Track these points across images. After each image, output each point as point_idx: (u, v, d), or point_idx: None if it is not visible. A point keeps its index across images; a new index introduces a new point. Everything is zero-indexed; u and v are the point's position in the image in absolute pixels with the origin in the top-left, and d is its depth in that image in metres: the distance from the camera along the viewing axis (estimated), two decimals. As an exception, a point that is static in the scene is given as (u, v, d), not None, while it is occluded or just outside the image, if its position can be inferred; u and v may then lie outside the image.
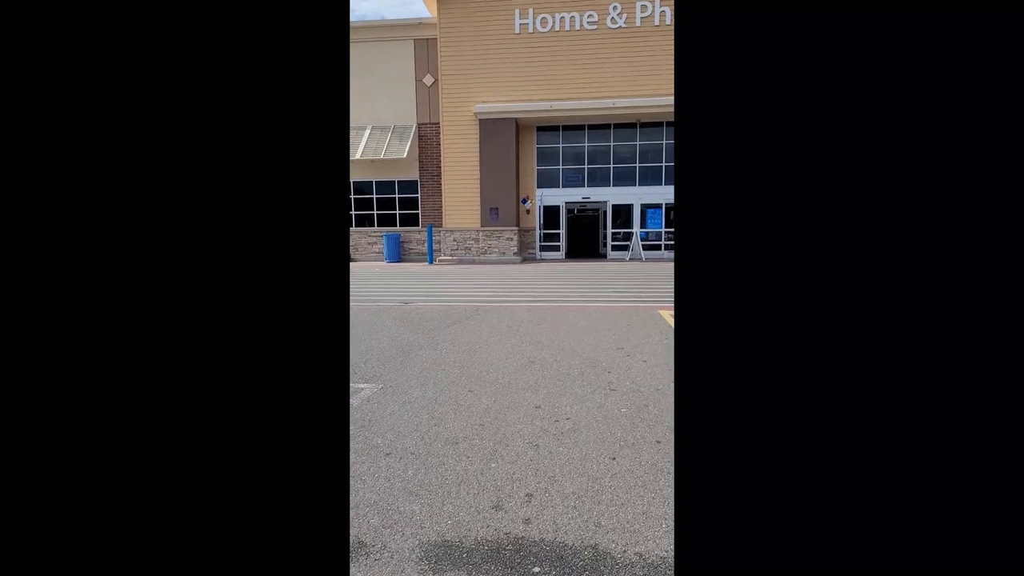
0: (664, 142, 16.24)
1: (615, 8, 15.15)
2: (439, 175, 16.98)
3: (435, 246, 16.96)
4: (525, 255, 16.87)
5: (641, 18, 15.11)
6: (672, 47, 15.04)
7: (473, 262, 15.88)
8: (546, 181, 16.80)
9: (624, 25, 15.20)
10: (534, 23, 15.42)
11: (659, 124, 16.15)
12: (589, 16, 15.24)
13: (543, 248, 16.97)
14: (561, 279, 11.11)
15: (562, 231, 16.89)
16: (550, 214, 16.99)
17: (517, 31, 15.52)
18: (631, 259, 16.10)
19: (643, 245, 16.30)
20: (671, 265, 14.06)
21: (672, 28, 15.02)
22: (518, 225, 16.40)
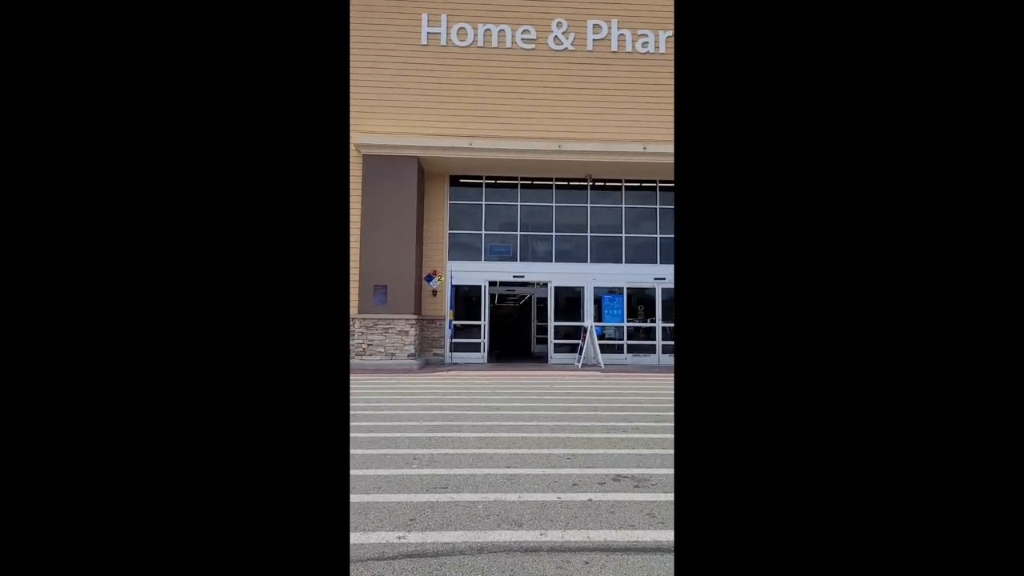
0: (623, 206, 11.99)
1: (559, 25, 11.30)
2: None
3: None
4: (428, 357, 11.30)
5: (593, 41, 11.33)
6: (635, 80, 11.22)
7: (343, 369, 10.04)
8: (463, 251, 11.77)
9: (572, 47, 11.32)
10: (448, 34, 11.16)
11: (617, 183, 11.97)
12: (524, 32, 11.24)
13: (456, 347, 11.53)
14: (485, 416, 5.62)
15: (484, 323, 11.64)
16: (467, 298, 11.78)
17: (425, 42, 11.14)
18: (583, 365, 11.03)
19: (600, 346, 11.35)
20: (651, 378, 9.04)
21: (633, 56, 11.30)
22: (418, 313, 10.99)
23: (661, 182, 11.95)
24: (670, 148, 10.84)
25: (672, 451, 4.13)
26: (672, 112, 11.05)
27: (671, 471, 3.57)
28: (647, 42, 11.35)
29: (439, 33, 11.11)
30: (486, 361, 11.52)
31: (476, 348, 11.61)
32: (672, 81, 11.20)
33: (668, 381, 8.68)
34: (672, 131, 10.95)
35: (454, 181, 11.81)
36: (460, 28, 11.16)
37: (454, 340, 11.48)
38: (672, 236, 11.94)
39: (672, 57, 11.31)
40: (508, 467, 3.65)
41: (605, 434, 4.73)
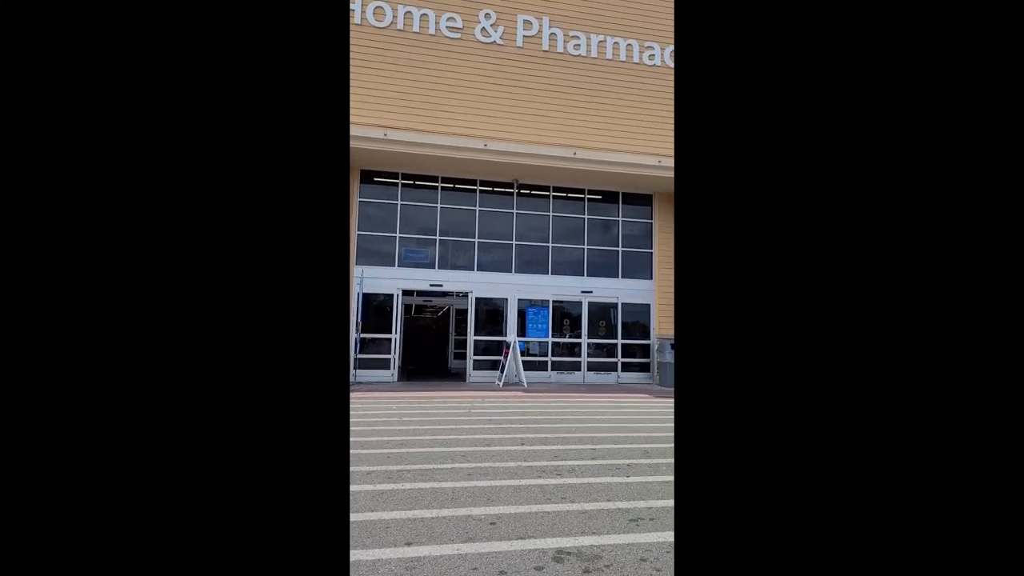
0: (551, 214, 11.32)
1: (487, 16, 10.50)
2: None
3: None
4: (329, 376, 9.83)
5: (524, 37, 10.63)
6: (565, 82, 10.65)
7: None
8: (373, 256, 10.51)
9: (501, 42, 10.54)
10: (364, 12, 9.98)
11: (545, 190, 11.29)
12: (449, 19, 10.32)
13: (361, 363, 10.18)
14: (385, 458, 4.47)
15: (396, 336, 10.40)
16: (377, 308, 10.50)
17: (337, 18, 9.87)
18: (504, 384, 10.11)
19: (523, 363, 10.48)
20: (578, 399, 8.29)
21: (564, 58, 10.74)
22: (318, 324, 9.54)
23: (590, 192, 11.43)
24: (601, 156, 10.33)
25: (625, 505, 3.26)
26: (604, 118, 10.61)
27: (628, 538, 2.69)
28: (579, 44, 10.83)
29: (353, 10, 9.90)
30: (396, 380, 10.26)
31: (385, 365, 10.32)
32: (604, 86, 10.79)
33: (598, 402, 7.96)
34: (603, 138, 10.48)
35: (366, 177, 10.55)
36: (377, 7, 10.02)
37: (360, 356, 10.13)
38: (601, 248, 11.43)
39: (604, 62, 10.88)
40: (408, 543, 2.59)
41: (536, 479, 3.79)
